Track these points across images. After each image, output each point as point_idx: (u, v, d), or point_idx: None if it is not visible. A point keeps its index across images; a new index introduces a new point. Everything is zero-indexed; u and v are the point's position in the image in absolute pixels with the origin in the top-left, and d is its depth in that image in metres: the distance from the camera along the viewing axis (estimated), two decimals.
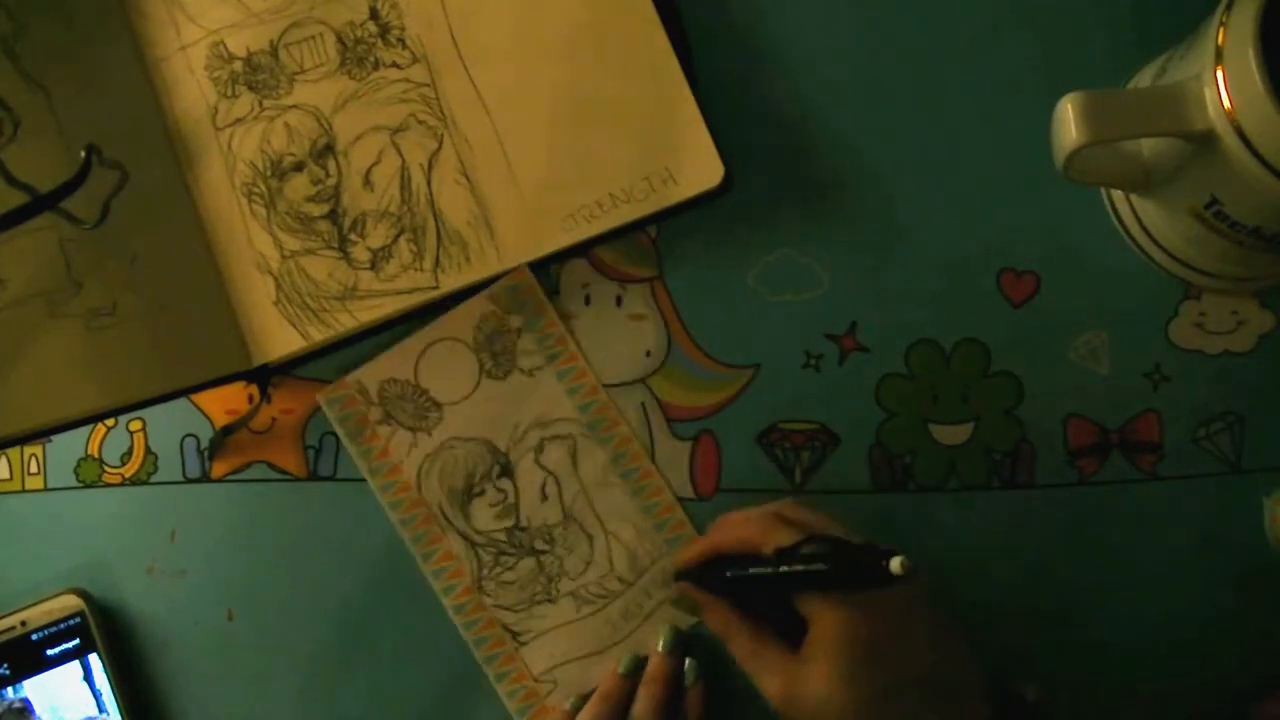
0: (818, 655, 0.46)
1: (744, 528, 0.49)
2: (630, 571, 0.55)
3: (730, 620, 0.49)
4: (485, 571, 0.55)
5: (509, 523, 0.55)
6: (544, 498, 0.55)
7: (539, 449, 0.56)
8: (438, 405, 0.56)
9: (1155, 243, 0.54)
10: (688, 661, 0.54)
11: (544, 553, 0.55)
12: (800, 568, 0.45)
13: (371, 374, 0.56)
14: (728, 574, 0.49)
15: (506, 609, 0.55)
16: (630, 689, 0.53)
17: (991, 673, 0.47)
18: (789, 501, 0.51)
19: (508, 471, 0.55)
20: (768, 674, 0.47)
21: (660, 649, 0.54)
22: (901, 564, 0.41)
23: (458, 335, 0.56)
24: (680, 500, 0.56)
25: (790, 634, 0.48)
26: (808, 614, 0.47)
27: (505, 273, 0.55)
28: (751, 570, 0.47)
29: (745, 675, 0.48)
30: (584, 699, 0.54)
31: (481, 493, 0.55)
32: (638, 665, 0.54)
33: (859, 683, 0.45)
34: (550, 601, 0.55)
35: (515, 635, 0.55)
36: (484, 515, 0.55)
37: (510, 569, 0.55)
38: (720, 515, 0.52)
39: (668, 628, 0.55)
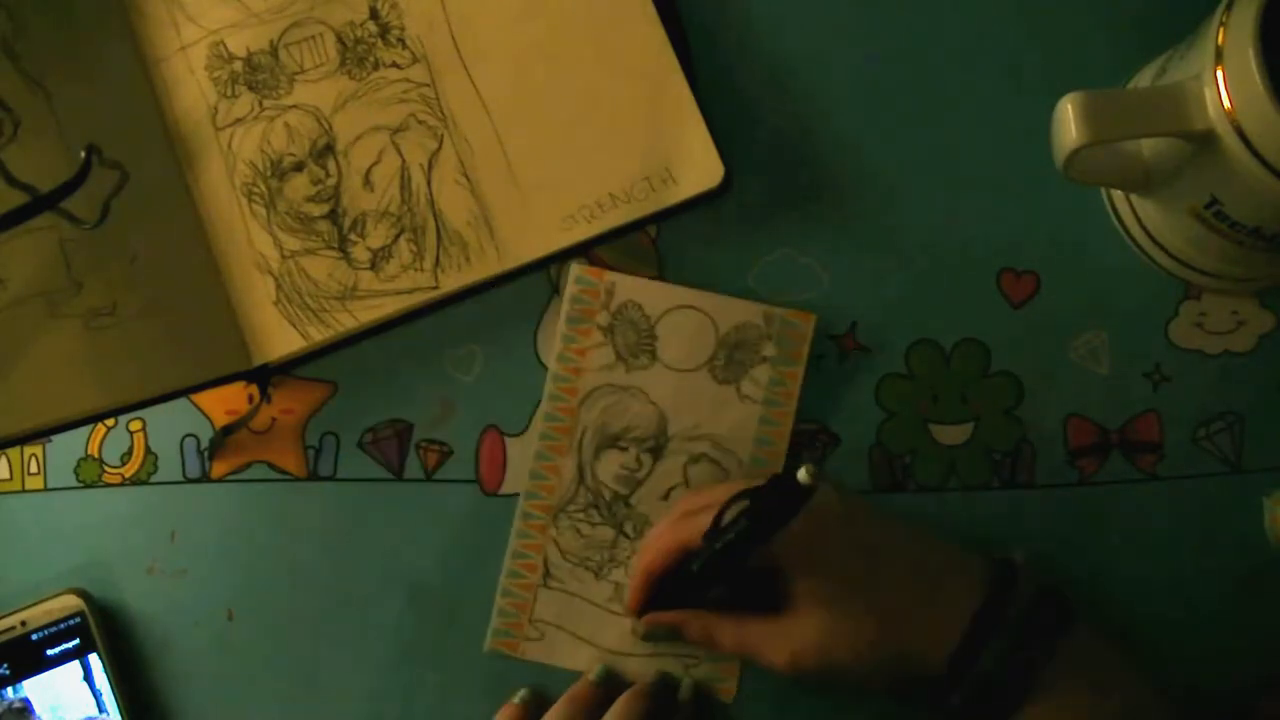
0: (797, 606, 0.47)
1: (661, 540, 0.50)
2: None
3: (707, 622, 0.50)
4: (571, 508, 0.55)
5: (624, 490, 0.55)
6: (664, 497, 0.55)
7: (695, 458, 0.55)
8: (654, 356, 0.55)
9: (1155, 243, 0.54)
10: (685, 681, 0.54)
11: (626, 536, 0.55)
12: (730, 536, 0.45)
13: (626, 286, 0.56)
14: (678, 575, 0.49)
15: (560, 550, 0.55)
16: (600, 698, 0.53)
17: (972, 549, 0.49)
18: (683, 496, 0.53)
19: (656, 452, 0.55)
20: (764, 647, 0.48)
21: (593, 678, 0.54)
22: (807, 471, 0.41)
23: (716, 318, 0.56)
24: None
25: (768, 601, 0.48)
26: (775, 572, 0.47)
27: (505, 273, 0.55)
28: (695, 566, 0.48)
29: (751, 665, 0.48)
30: (534, 694, 0.54)
31: (624, 449, 0.55)
32: (610, 678, 0.54)
33: (840, 609, 0.46)
34: (595, 575, 0.55)
35: (548, 573, 0.55)
36: (609, 468, 0.55)
37: (591, 525, 0.55)
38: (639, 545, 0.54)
39: (602, 666, 0.54)
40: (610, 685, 0.53)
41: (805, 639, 0.47)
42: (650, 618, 0.52)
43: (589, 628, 0.55)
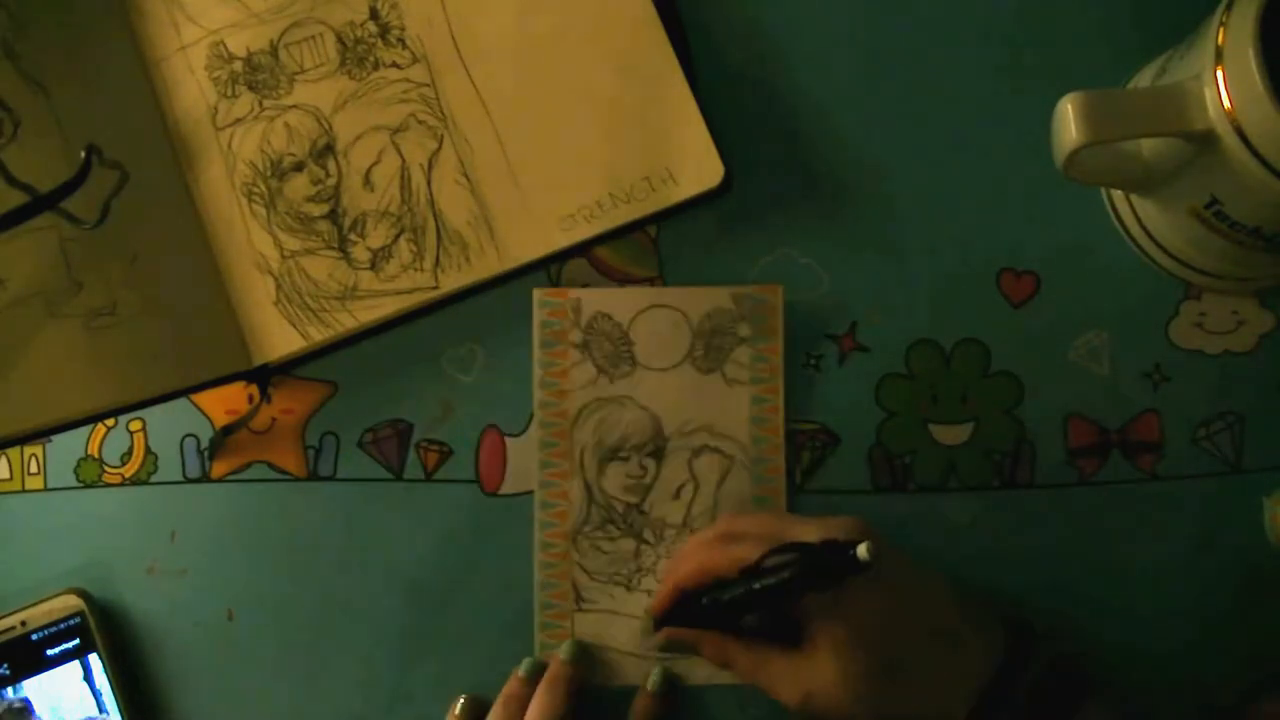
0: (816, 648, 0.46)
1: (698, 556, 0.50)
2: None
3: (725, 646, 0.50)
4: (587, 528, 0.55)
5: (634, 499, 0.55)
6: (676, 496, 0.55)
7: (697, 452, 0.55)
8: (634, 361, 0.55)
9: (1155, 243, 0.54)
10: (655, 671, 0.54)
11: (647, 544, 0.55)
12: (772, 581, 0.45)
13: (592, 300, 0.56)
14: (704, 602, 0.49)
15: (586, 572, 0.55)
16: (530, 693, 0.53)
17: (993, 609, 0.48)
18: (725, 516, 0.53)
19: (658, 454, 0.55)
20: (778, 682, 0.48)
21: (562, 655, 0.54)
22: (868, 549, 0.41)
23: (686, 311, 0.56)
24: None
25: (788, 633, 0.48)
26: (800, 612, 0.47)
27: (505, 273, 0.55)
28: (727, 597, 0.48)
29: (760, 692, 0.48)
30: (472, 700, 0.54)
31: (625, 459, 0.55)
32: (539, 670, 0.54)
33: (859, 659, 0.46)
34: (627, 589, 0.55)
35: (579, 598, 0.55)
36: (615, 480, 0.55)
37: (611, 539, 0.55)
38: (674, 552, 0.54)
39: (570, 641, 0.54)
40: (539, 677, 0.53)
41: (819, 682, 0.46)
42: (670, 632, 0.52)
43: (631, 640, 0.55)
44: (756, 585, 0.46)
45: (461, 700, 0.54)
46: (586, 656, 0.54)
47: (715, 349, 0.55)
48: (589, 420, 0.55)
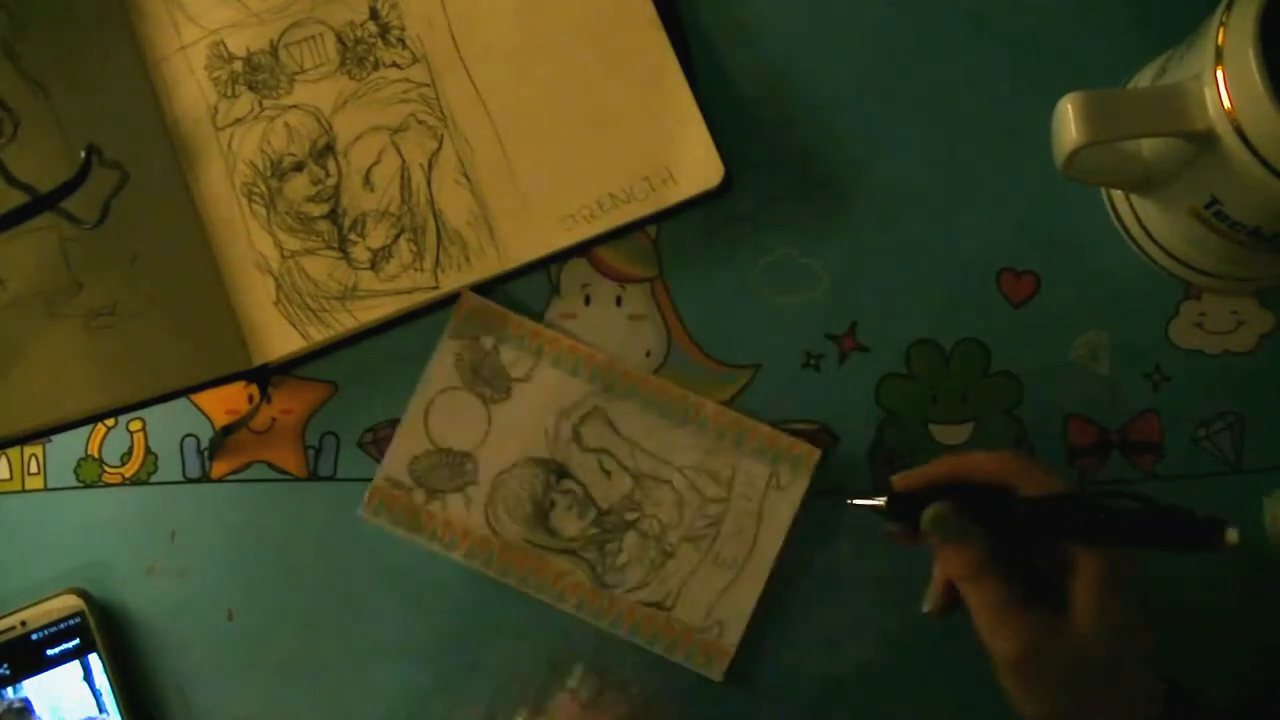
0: (1088, 602, 0.43)
1: (989, 460, 0.46)
2: (719, 487, 0.55)
3: (983, 561, 0.44)
4: (600, 569, 0.55)
5: (591, 515, 0.55)
6: (606, 474, 0.55)
7: (577, 436, 0.55)
8: (467, 454, 0.55)
9: (1155, 243, 0.54)
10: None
11: (636, 521, 0.55)
12: (1113, 513, 0.42)
13: (394, 463, 0.55)
14: (1029, 506, 0.44)
15: (639, 588, 0.55)
16: None
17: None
18: (1009, 449, 0.49)
19: (564, 472, 0.55)
20: (1008, 629, 0.43)
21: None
22: (1237, 535, 0.39)
23: (448, 384, 0.56)
24: None
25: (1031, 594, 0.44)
26: (1070, 562, 0.43)
27: (505, 273, 0.55)
28: (1049, 505, 0.43)
29: (977, 631, 0.44)
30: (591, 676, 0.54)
31: (552, 505, 0.55)
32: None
33: (1131, 633, 0.43)
34: (671, 556, 0.55)
35: (660, 605, 0.55)
36: (568, 523, 0.55)
37: (620, 552, 0.55)
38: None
39: (581, 669, 0.54)
40: None
41: (1063, 641, 0.43)
42: (943, 509, 0.45)
43: (723, 572, 0.55)
44: (1099, 511, 0.42)
45: (580, 671, 0.54)
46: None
47: (492, 377, 0.55)
48: (500, 521, 0.55)
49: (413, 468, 0.55)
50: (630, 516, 0.55)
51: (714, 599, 0.54)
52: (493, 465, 0.55)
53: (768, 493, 0.55)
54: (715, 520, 0.55)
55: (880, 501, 0.47)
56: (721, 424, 0.55)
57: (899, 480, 0.47)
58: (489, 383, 0.55)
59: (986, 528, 0.44)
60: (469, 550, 0.55)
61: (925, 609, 0.48)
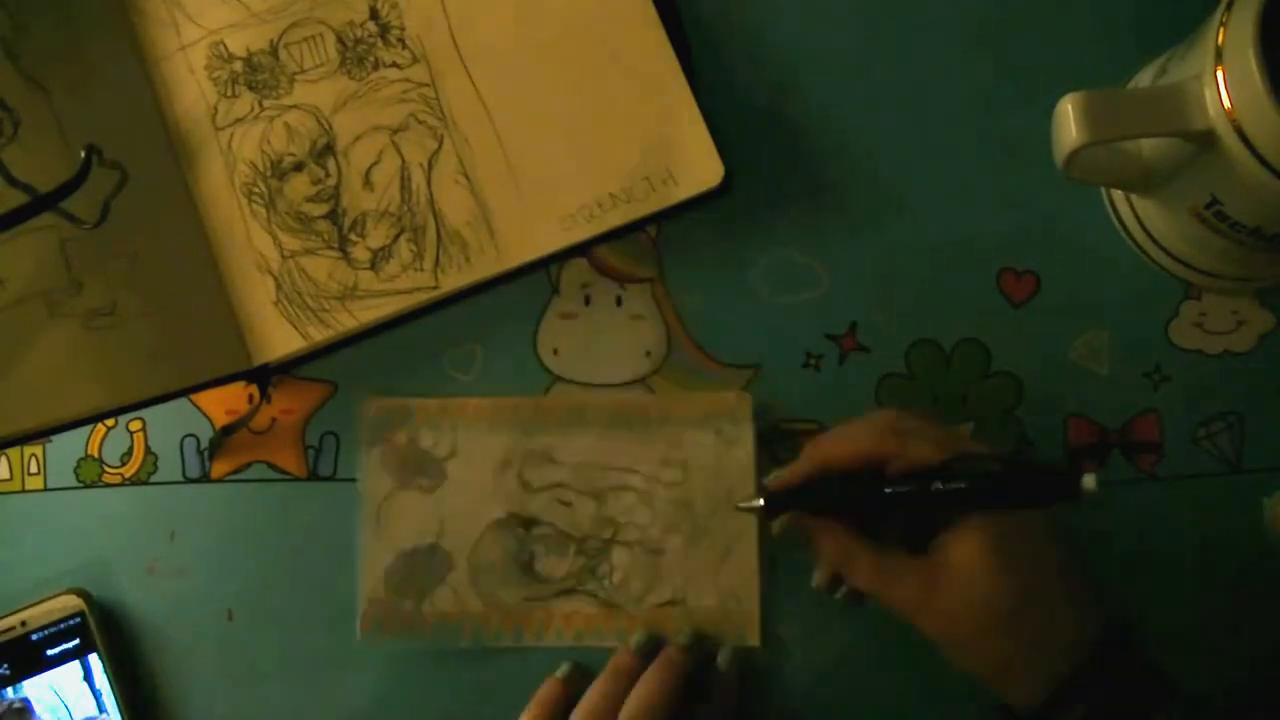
0: (959, 566, 0.45)
1: (857, 441, 0.47)
2: (675, 469, 0.55)
3: (849, 542, 0.47)
4: (603, 593, 0.55)
5: (572, 549, 0.55)
6: (568, 506, 0.55)
7: (524, 484, 0.55)
8: (433, 546, 0.55)
9: (1155, 243, 0.54)
10: (724, 648, 0.53)
11: (615, 535, 0.55)
12: (962, 485, 0.43)
13: (369, 582, 0.55)
14: (887, 490, 0.46)
15: (647, 594, 0.55)
16: (640, 668, 0.52)
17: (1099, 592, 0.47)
18: (892, 410, 0.49)
19: (529, 521, 0.55)
20: (899, 583, 0.46)
21: (681, 640, 0.53)
22: (1095, 481, 0.39)
23: (385, 491, 0.56)
24: None
25: (915, 547, 0.47)
26: (942, 524, 0.45)
27: (505, 273, 0.55)
28: (888, 489, 0.45)
29: (875, 599, 0.47)
30: (576, 669, 0.54)
31: (532, 556, 0.55)
32: (652, 646, 0.53)
33: (1002, 580, 0.44)
34: (661, 554, 0.55)
35: (673, 602, 0.55)
36: (554, 565, 0.55)
37: (613, 570, 0.55)
38: (814, 437, 0.50)
39: (689, 628, 0.54)
40: (651, 654, 0.53)
41: (949, 600, 0.45)
42: (793, 517, 0.49)
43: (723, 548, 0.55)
44: (943, 485, 0.44)
45: (565, 667, 0.54)
46: (698, 649, 0.53)
47: (421, 468, 0.56)
48: (492, 592, 0.55)
49: (389, 580, 0.55)
50: (607, 534, 0.55)
51: (718, 573, 0.54)
52: (462, 545, 0.55)
53: (720, 453, 0.55)
54: (685, 502, 0.55)
55: (760, 504, 0.50)
56: (648, 411, 0.55)
57: (772, 482, 0.50)
58: (421, 472, 0.56)
59: (853, 512, 0.47)
60: (475, 632, 0.55)
61: (814, 585, 0.51)
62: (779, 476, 0.50)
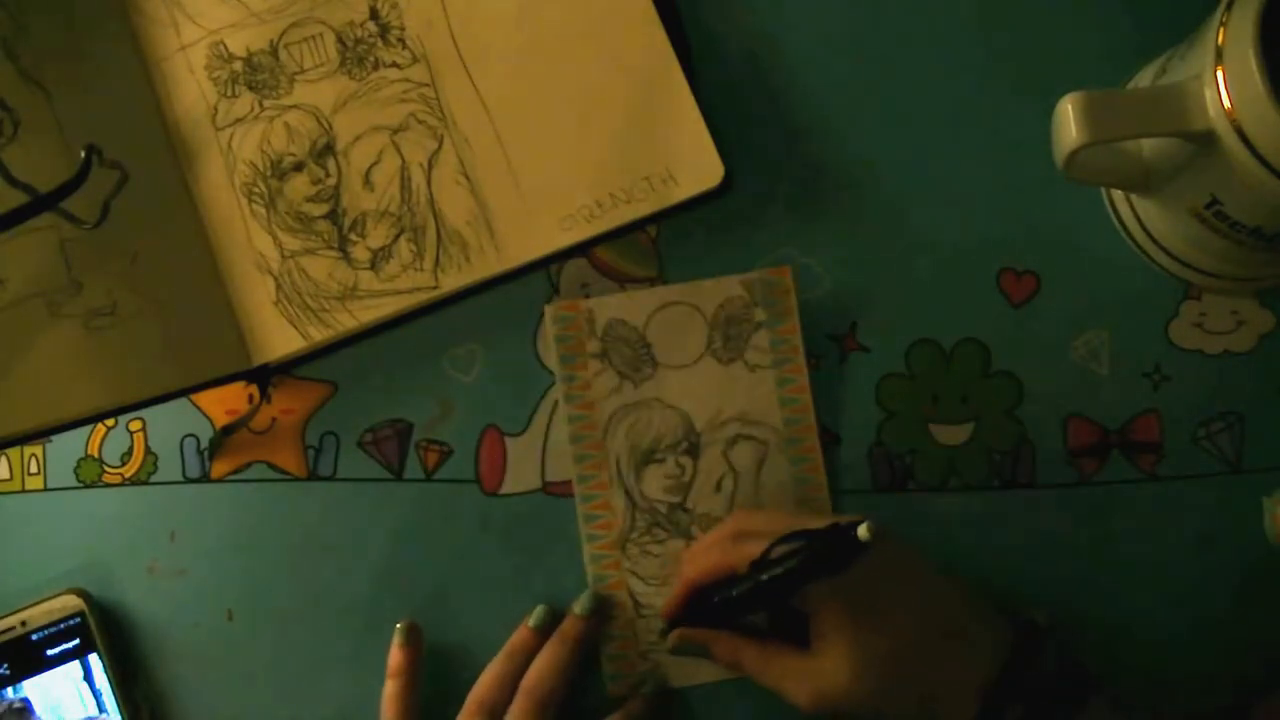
0: (826, 645, 0.46)
1: (708, 555, 0.50)
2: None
3: (735, 645, 0.50)
4: (635, 535, 0.55)
5: (676, 499, 0.55)
6: (717, 489, 0.55)
7: (731, 442, 0.55)
8: (654, 363, 0.55)
9: (1155, 243, 0.54)
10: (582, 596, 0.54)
11: (696, 540, 0.55)
12: (779, 570, 0.45)
13: (604, 308, 0.56)
14: (715, 599, 0.49)
15: (640, 578, 0.55)
16: (537, 645, 0.53)
17: (998, 610, 0.48)
18: (737, 513, 0.53)
19: (693, 451, 0.55)
20: (789, 681, 0.48)
21: (577, 610, 0.54)
22: (868, 528, 0.41)
23: (699, 305, 0.56)
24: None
25: (798, 633, 0.48)
26: (808, 609, 0.47)
27: (505, 273, 0.55)
28: (735, 592, 0.48)
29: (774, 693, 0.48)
30: (550, 613, 0.54)
31: (661, 461, 0.55)
32: (550, 621, 0.54)
33: (869, 656, 0.46)
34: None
35: (637, 604, 0.55)
36: (655, 482, 0.55)
37: (659, 542, 0.55)
38: (682, 552, 0.54)
39: (588, 592, 0.54)
40: (550, 629, 0.53)
41: (830, 680, 0.46)
42: (681, 632, 0.52)
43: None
44: (764, 577, 0.46)
45: (539, 611, 0.54)
46: (604, 610, 0.54)
47: (733, 338, 0.55)
48: (619, 428, 0.55)
49: (611, 326, 0.55)
50: (695, 533, 0.55)
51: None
52: (660, 389, 0.55)
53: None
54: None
55: (661, 632, 0.54)
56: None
57: (663, 612, 0.53)
58: (727, 340, 0.55)
59: (726, 621, 0.50)
60: (576, 416, 0.55)
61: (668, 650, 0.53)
62: (665, 607, 0.53)
